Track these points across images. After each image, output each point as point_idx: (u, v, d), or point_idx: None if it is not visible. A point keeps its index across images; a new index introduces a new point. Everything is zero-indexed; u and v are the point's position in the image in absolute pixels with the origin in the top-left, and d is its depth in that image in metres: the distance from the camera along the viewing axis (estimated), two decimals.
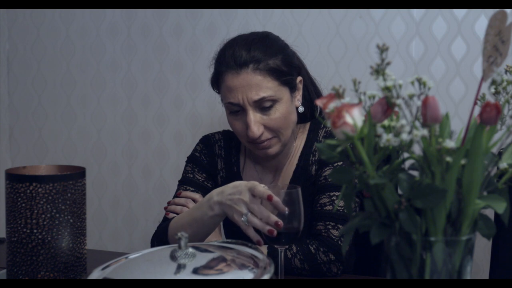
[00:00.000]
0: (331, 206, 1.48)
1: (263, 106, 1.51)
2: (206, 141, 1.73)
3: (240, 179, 1.68)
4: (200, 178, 1.68)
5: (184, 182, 1.68)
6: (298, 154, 1.64)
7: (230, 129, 1.65)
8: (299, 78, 1.60)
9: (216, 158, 1.71)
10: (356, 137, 0.84)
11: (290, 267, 1.41)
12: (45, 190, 1.10)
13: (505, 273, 1.62)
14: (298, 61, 1.64)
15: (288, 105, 1.55)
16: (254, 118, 1.51)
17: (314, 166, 1.60)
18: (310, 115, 1.68)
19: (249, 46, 1.52)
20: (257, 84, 1.49)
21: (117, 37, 2.34)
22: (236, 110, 1.54)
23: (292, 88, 1.57)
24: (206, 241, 1.49)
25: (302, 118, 1.67)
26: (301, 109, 1.61)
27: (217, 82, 1.58)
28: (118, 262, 1.01)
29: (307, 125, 1.67)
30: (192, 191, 1.65)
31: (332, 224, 1.45)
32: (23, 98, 2.48)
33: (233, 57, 1.51)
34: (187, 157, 1.74)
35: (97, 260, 1.14)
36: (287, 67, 1.54)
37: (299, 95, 1.61)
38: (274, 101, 1.52)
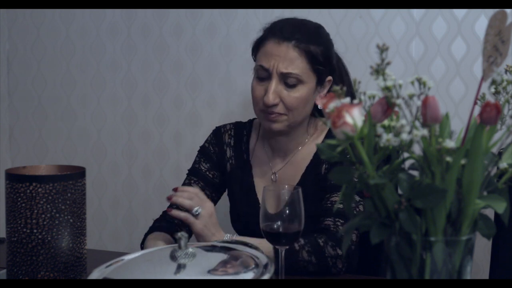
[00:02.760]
0: (341, 205, 1.49)
1: (287, 81, 1.58)
2: (217, 132, 1.79)
3: (250, 165, 1.73)
4: (203, 168, 1.74)
5: (190, 172, 1.75)
6: (315, 149, 1.66)
7: (241, 120, 1.76)
8: (329, 78, 1.65)
9: (225, 147, 1.76)
10: (356, 137, 0.84)
11: (296, 259, 1.43)
12: (45, 190, 1.10)
13: (505, 273, 1.62)
14: (338, 64, 1.70)
15: (310, 92, 1.61)
16: (275, 87, 1.57)
17: (324, 165, 1.64)
18: None
19: (300, 27, 1.61)
20: (291, 59, 1.57)
21: (117, 37, 2.34)
22: (263, 77, 1.60)
23: (320, 81, 1.63)
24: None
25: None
26: (320, 105, 1.64)
27: (257, 46, 1.65)
28: (118, 262, 1.01)
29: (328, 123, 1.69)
30: (195, 181, 1.72)
31: (341, 221, 1.50)
32: (23, 98, 2.48)
33: (282, 28, 1.60)
34: (200, 147, 1.80)
35: (97, 260, 1.14)
36: (324, 59, 1.61)
37: (323, 93, 1.65)
38: (299, 81, 1.58)
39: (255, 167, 1.72)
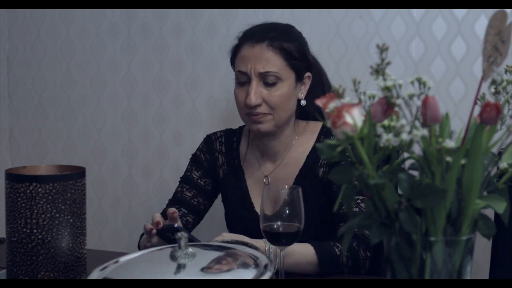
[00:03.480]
0: (357, 209, 1.53)
1: (267, 81, 1.60)
2: (208, 139, 1.80)
3: (242, 170, 1.74)
4: (194, 176, 1.77)
5: (183, 180, 1.78)
6: (307, 152, 1.67)
7: (232, 128, 1.76)
8: (308, 74, 1.67)
9: (217, 154, 1.77)
10: (356, 137, 0.84)
11: (337, 264, 1.46)
12: (45, 190, 1.10)
13: (505, 273, 1.62)
14: (315, 63, 1.74)
15: (291, 89, 1.63)
16: (256, 88, 1.60)
17: (322, 168, 1.64)
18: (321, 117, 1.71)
19: (271, 28, 1.66)
20: (266, 59, 1.60)
21: (117, 37, 2.34)
22: (243, 81, 1.63)
23: (298, 77, 1.65)
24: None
25: (308, 118, 1.70)
26: (303, 102, 1.68)
27: (234, 54, 1.68)
28: (118, 262, 1.01)
29: (318, 125, 1.71)
30: (187, 188, 1.76)
31: None
32: (23, 98, 2.48)
33: (253, 32, 1.65)
34: (191, 155, 1.81)
35: (97, 260, 1.14)
36: (299, 54, 1.64)
37: (304, 89, 1.68)
38: (278, 79, 1.60)
39: (247, 172, 1.73)
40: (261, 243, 1.40)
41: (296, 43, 1.64)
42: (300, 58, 1.64)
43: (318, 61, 1.77)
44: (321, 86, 1.73)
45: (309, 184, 1.63)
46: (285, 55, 1.61)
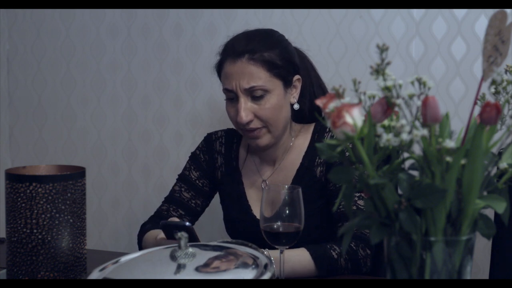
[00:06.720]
0: (355, 207, 1.52)
1: (254, 95, 1.57)
2: (208, 139, 1.79)
3: (239, 173, 1.72)
4: (193, 176, 1.75)
5: (181, 178, 1.77)
6: (302, 153, 1.67)
7: (233, 127, 1.71)
8: (297, 77, 1.64)
9: (216, 155, 1.76)
10: (356, 137, 0.84)
11: (335, 267, 1.45)
12: (45, 190, 1.10)
13: (505, 273, 1.62)
14: (303, 62, 1.70)
15: (280, 98, 1.60)
16: (245, 105, 1.57)
17: (319, 168, 1.63)
18: (313, 117, 1.69)
19: (249, 38, 1.61)
20: (249, 73, 1.56)
21: (117, 37, 2.34)
22: (231, 97, 1.61)
23: (287, 83, 1.62)
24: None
25: (303, 119, 1.69)
26: (296, 106, 1.66)
27: (219, 71, 1.66)
28: (118, 262, 1.01)
29: (311, 126, 1.70)
30: (185, 189, 1.74)
31: None
32: (23, 98, 2.48)
33: (233, 46, 1.60)
34: (191, 153, 1.80)
35: (97, 260, 1.14)
36: (282, 61, 1.60)
37: (295, 93, 1.65)
38: (265, 91, 1.57)
39: (245, 175, 1.72)
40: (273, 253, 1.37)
41: (277, 50, 1.60)
42: (284, 65, 1.60)
43: (307, 57, 1.74)
44: (310, 84, 1.70)
45: (307, 184, 1.61)
46: (267, 66, 1.57)
